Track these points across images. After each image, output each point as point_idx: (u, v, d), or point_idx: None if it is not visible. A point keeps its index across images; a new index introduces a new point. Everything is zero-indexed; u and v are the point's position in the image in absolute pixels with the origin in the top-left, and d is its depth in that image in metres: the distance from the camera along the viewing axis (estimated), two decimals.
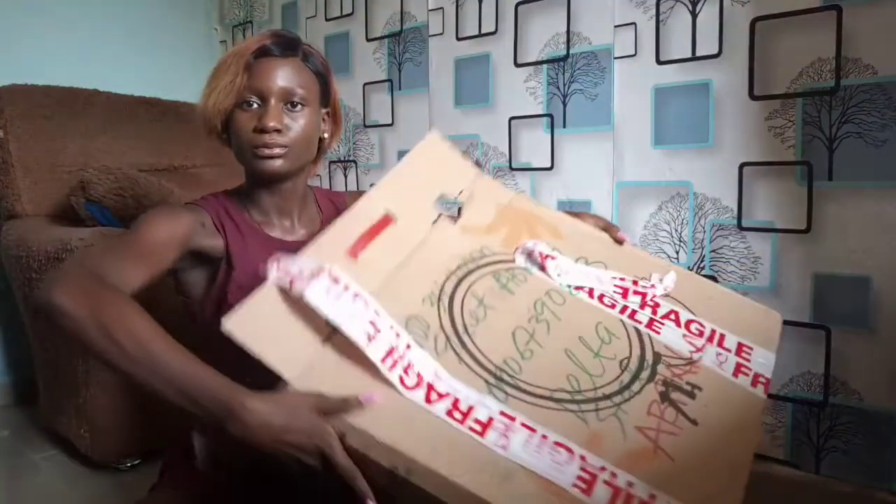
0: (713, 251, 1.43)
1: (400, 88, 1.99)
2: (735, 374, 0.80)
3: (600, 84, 1.57)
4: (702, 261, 1.44)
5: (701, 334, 0.84)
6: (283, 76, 0.92)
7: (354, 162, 2.14)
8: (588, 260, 0.91)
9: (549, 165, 1.67)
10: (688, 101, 1.44)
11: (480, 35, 1.78)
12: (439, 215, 0.90)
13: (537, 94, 1.68)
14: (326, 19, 2.18)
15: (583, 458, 0.64)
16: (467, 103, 1.83)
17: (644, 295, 0.88)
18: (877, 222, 1.23)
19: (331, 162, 2.21)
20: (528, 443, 0.64)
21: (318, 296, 0.69)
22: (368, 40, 2.06)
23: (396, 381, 0.68)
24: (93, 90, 2.00)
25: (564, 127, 1.64)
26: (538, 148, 1.69)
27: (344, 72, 2.13)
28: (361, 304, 0.71)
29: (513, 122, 1.73)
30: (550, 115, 1.66)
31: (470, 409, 0.67)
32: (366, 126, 2.09)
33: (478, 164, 1.03)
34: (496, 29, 1.75)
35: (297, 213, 1.03)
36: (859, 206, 1.25)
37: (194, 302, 1.00)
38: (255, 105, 0.92)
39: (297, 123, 0.93)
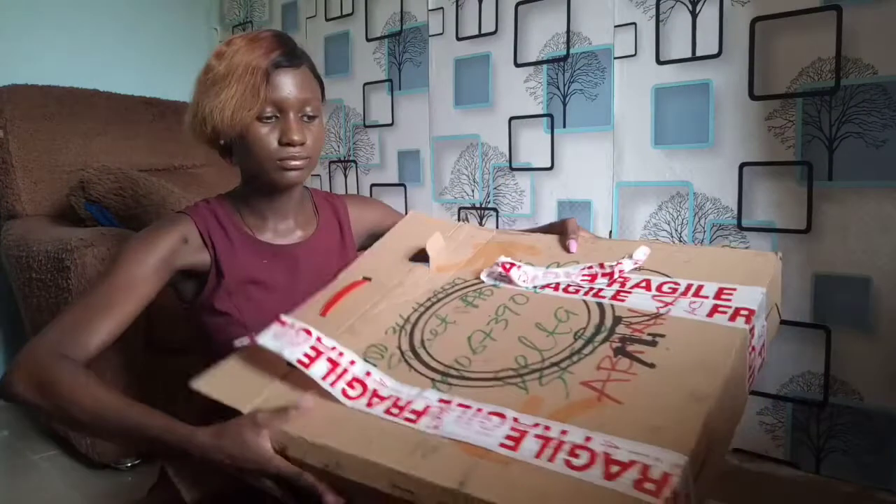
0: None
1: (400, 88, 1.99)
2: (710, 315, 0.72)
3: (600, 84, 1.57)
4: None
5: (674, 291, 0.77)
6: (299, 87, 0.93)
7: (354, 162, 2.14)
8: (560, 262, 0.89)
9: (549, 165, 1.67)
10: (688, 101, 1.44)
11: (480, 35, 1.78)
12: (415, 265, 0.92)
13: (537, 94, 1.68)
14: (326, 19, 2.18)
15: (515, 419, 0.62)
16: (467, 103, 1.83)
17: (611, 274, 0.82)
18: (877, 222, 1.23)
19: (331, 162, 2.21)
20: (460, 418, 0.63)
21: (267, 338, 0.74)
22: (368, 40, 2.06)
23: (339, 395, 0.70)
24: (93, 90, 2.00)
25: (564, 127, 1.64)
26: (538, 148, 1.69)
27: (344, 72, 2.13)
28: (304, 334, 0.74)
29: (513, 122, 1.73)
30: (550, 115, 1.66)
31: (409, 402, 0.68)
32: (366, 126, 2.09)
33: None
34: (496, 29, 1.75)
35: (293, 215, 1.04)
36: (859, 206, 1.25)
37: (189, 307, 1.02)
38: (274, 118, 0.92)
39: (313, 135, 0.95)
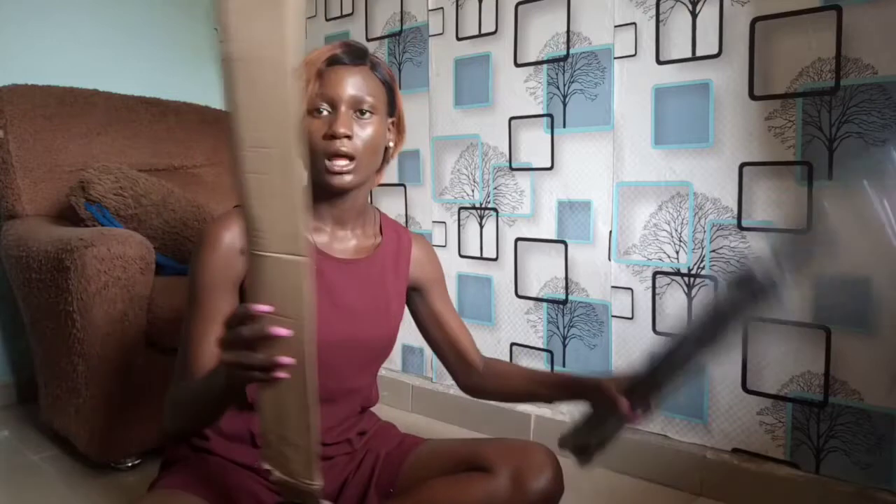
0: (713, 251, 1.43)
1: (400, 88, 1.98)
2: None
3: (600, 84, 1.57)
4: (702, 261, 1.44)
5: None
6: (353, 84, 0.93)
7: None
8: None
9: (549, 165, 1.67)
10: (688, 101, 1.44)
11: (480, 35, 1.78)
12: None
13: (537, 94, 1.68)
14: (326, 19, 2.18)
15: None
16: (467, 103, 1.83)
17: None
18: (877, 222, 1.23)
19: None
20: None
21: None
22: (368, 40, 2.06)
23: None
24: (93, 90, 2.00)
25: (564, 127, 1.64)
26: (538, 148, 1.69)
27: None
28: None
29: (513, 122, 1.73)
30: (550, 115, 1.66)
31: None
32: None
33: None
34: (496, 29, 1.75)
35: (351, 226, 1.03)
36: (859, 206, 1.25)
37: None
38: (326, 112, 0.93)
39: (365, 131, 0.94)
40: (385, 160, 1.04)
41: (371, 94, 0.95)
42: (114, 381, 1.46)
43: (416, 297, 1.13)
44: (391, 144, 1.03)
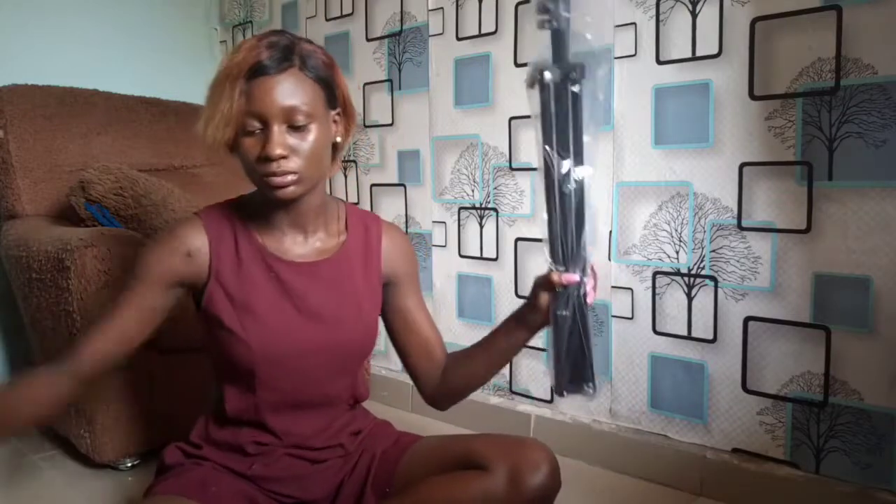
0: (713, 251, 1.43)
1: (400, 88, 1.99)
2: None
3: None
4: (702, 261, 1.44)
5: None
6: (282, 95, 0.85)
7: (355, 162, 2.14)
8: None
9: None
10: (688, 101, 1.44)
11: (480, 35, 1.78)
12: None
13: None
14: (326, 19, 2.18)
15: None
16: (467, 103, 1.83)
17: None
18: (877, 222, 1.23)
19: None
20: None
21: None
22: (368, 40, 2.06)
23: None
24: (93, 90, 2.00)
25: None
26: (538, 148, 1.68)
27: (344, 72, 2.11)
28: None
29: (513, 122, 1.73)
30: None
31: None
32: (366, 126, 2.09)
33: None
34: (496, 29, 1.75)
35: (311, 229, 1.00)
36: (859, 206, 1.25)
37: (198, 315, 1.02)
38: (258, 130, 0.86)
39: (304, 143, 0.87)
40: (336, 151, 0.98)
41: (304, 100, 0.86)
42: (114, 381, 1.46)
43: (386, 292, 1.08)
44: (339, 139, 0.96)
